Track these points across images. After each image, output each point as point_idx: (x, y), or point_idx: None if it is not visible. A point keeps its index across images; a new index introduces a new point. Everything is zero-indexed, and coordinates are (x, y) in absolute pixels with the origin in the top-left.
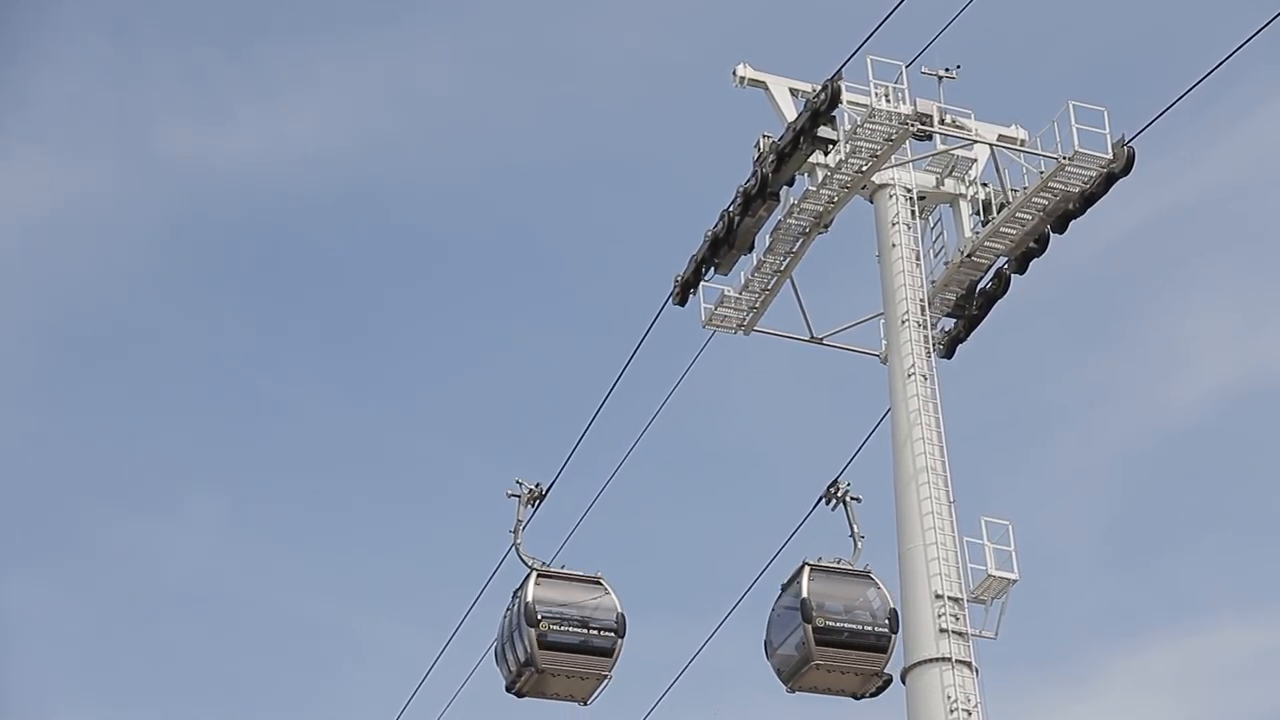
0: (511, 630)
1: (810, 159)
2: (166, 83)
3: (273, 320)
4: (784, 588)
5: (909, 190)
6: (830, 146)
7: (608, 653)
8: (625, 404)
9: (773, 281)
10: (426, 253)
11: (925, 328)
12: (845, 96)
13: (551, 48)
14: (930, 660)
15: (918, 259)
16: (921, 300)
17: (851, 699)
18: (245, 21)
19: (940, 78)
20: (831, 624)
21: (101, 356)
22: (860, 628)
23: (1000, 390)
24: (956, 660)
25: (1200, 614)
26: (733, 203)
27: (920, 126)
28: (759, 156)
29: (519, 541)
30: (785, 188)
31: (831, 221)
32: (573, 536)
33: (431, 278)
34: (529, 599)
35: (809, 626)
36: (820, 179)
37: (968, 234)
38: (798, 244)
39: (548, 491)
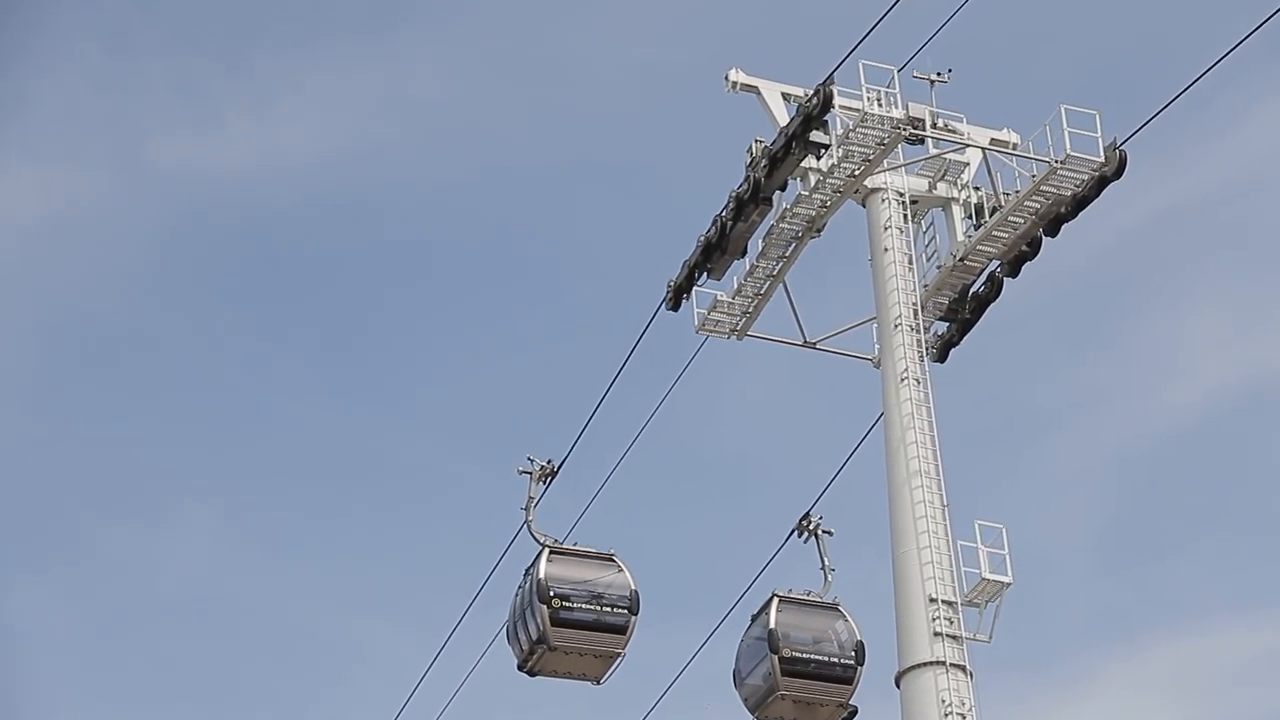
0: (523, 608)
1: (802, 163)
2: (161, 91)
3: (268, 327)
4: (753, 618)
5: (901, 194)
6: (822, 151)
7: (621, 630)
8: (619, 410)
9: (765, 286)
10: (421, 259)
11: (918, 332)
12: (837, 101)
13: (544, 54)
14: (924, 664)
15: (910, 263)
16: (914, 304)
17: None
18: (239, 30)
19: (932, 82)
20: (798, 655)
21: (97, 364)
22: (826, 659)
23: (993, 394)
24: (951, 664)
25: (1196, 616)
26: (725, 207)
27: (912, 131)
28: (751, 161)
29: (531, 519)
30: (778, 192)
31: (824, 226)
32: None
33: (426, 283)
34: (541, 575)
35: (775, 657)
36: (812, 183)
37: (960, 238)
38: (790, 248)
39: (559, 468)
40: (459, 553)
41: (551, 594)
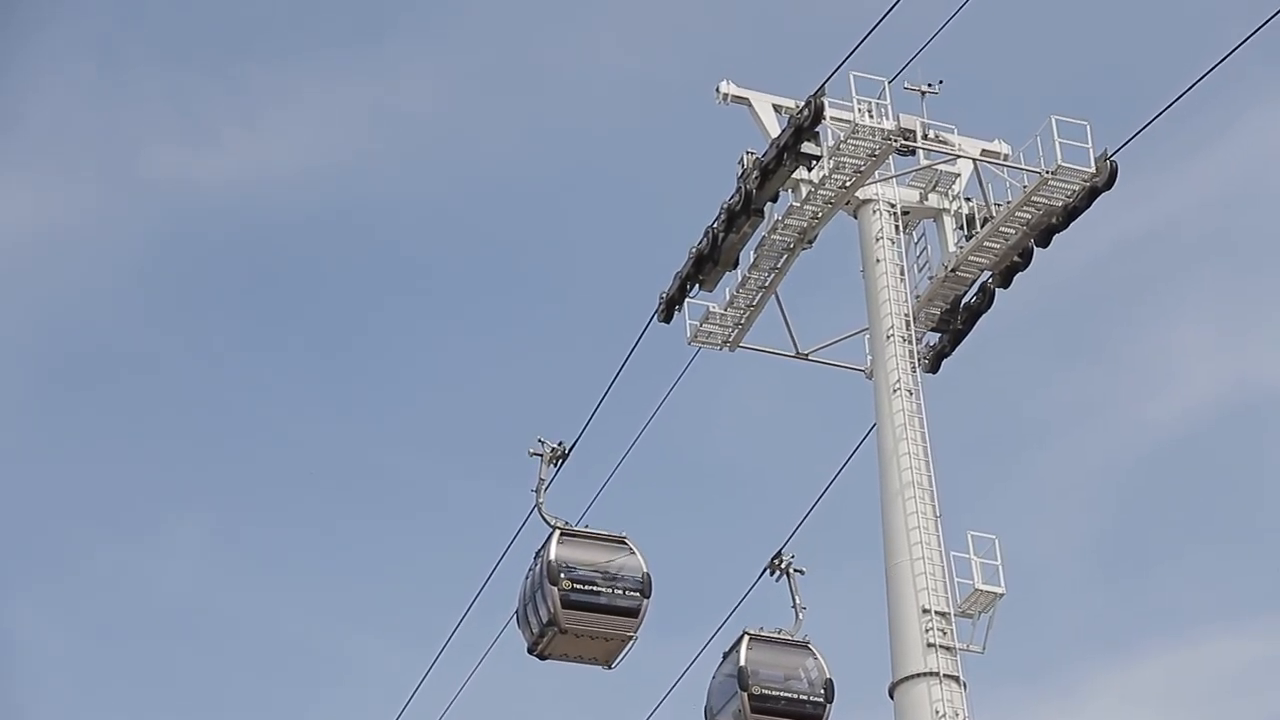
0: (534, 590)
1: (794, 175)
2: (151, 104)
3: (258, 340)
4: (725, 656)
5: (893, 205)
6: (814, 162)
7: (633, 613)
8: (611, 422)
9: (757, 298)
10: (411, 272)
11: (910, 342)
12: (828, 112)
13: (534, 67)
14: (918, 675)
15: (902, 274)
16: (906, 315)
17: None
18: (229, 43)
19: (923, 93)
20: (768, 692)
21: (87, 378)
22: (796, 697)
23: (986, 404)
24: (944, 675)
25: (1188, 627)
26: (717, 219)
27: (903, 142)
28: (743, 173)
29: (541, 501)
30: (769, 204)
31: (816, 237)
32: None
33: (416, 296)
34: (551, 557)
35: (745, 694)
36: (804, 195)
37: (951, 248)
38: (782, 260)
39: (570, 450)
40: (452, 566)
41: (562, 575)
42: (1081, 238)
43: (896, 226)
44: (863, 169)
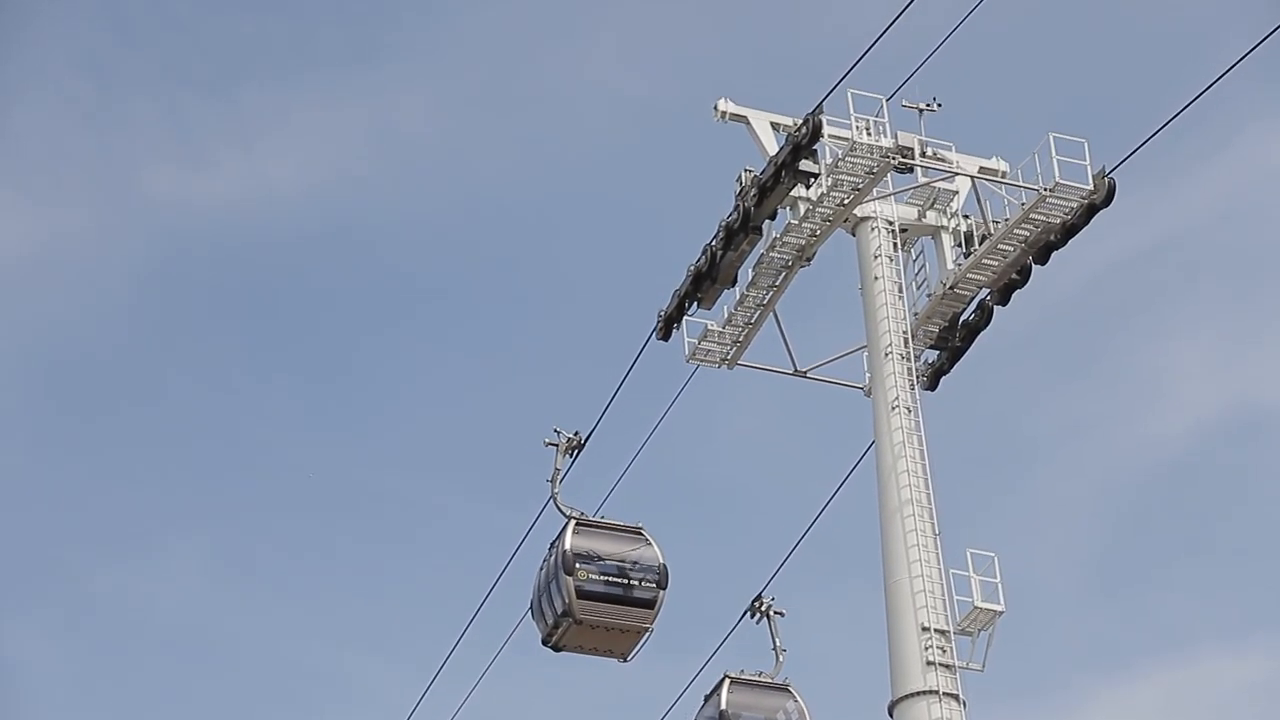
0: (548, 581)
1: (792, 192)
2: (147, 125)
3: (255, 361)
4: (706, 699)
5: (891, 223)
6: (812, 180)
7: (649, 605)
8: (609, 440)
9: (756, 315)
10: (409, 291)
11: (908, 360)
12: (826, 130)
13: (530, 85)
14: (918, 693)
15: (900, 291)
16: (904, 333)
17: None
18: (225, 64)
19: (921, 111)
20: None
21: (84, 399)
22: None
23: (984, 421)
24: (944, 693)
25: (1185, 646)
26: (715, 237)
27: (901, 159)
28: (741, 191)
29: (556, 491)
30: (767, 221)
31: (814, 255)
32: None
33: (414, 316)
34: (567, 547)
35: None
36: (802, 212)
37: (950, 266)
38: (780, 277)
39: (586, 440)
40: (448, 585)
41: (577, 566)
42: (1080, 255)
43: (895, 244)
44: (861, 186)
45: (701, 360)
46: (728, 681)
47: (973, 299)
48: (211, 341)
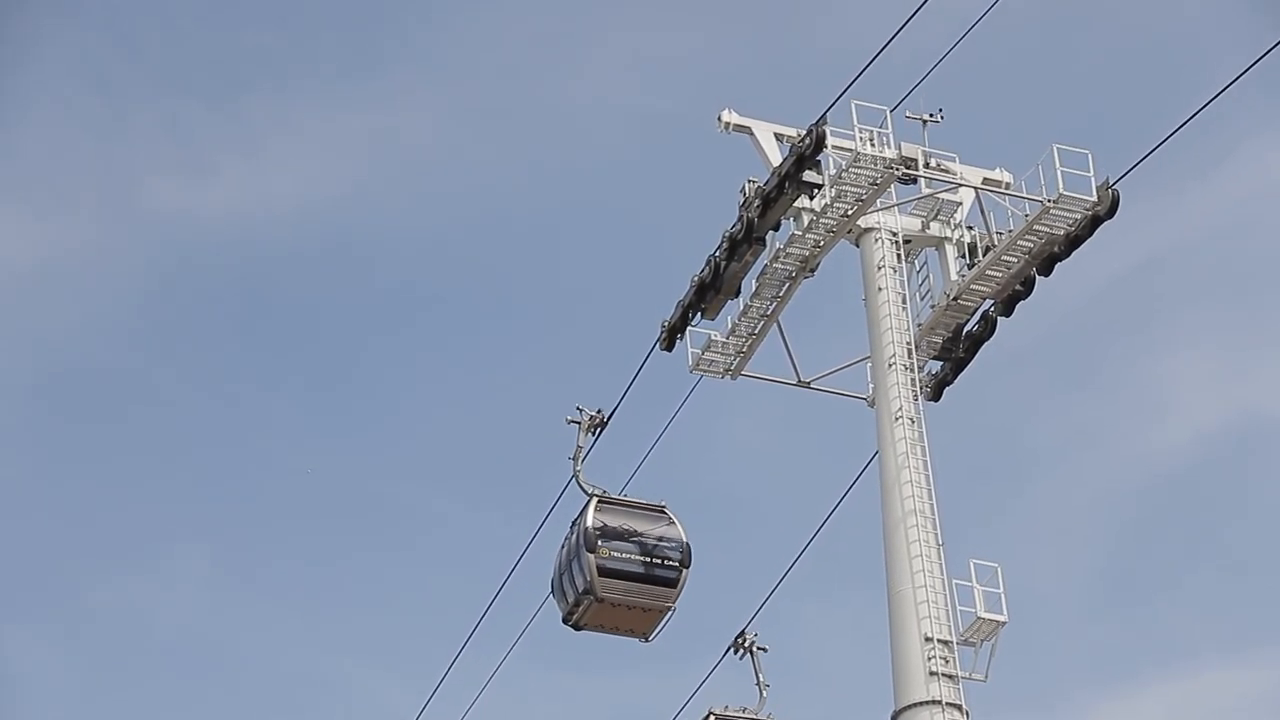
0: (570, 559)
1: (795, 203)
2: (150, 136)
3: (258, 371)
4: None
5: (894, 234)
6: (815, 191)
7: (671, 584)
8: (612, 450)
9: (759, 326)
10: (411, 301)
11: (912, 371)
12: (830, 141)
13: (533, 96)
14: (921, 704)
15: (904, 302)
16: (908, 343)
17: None
18: (228, 74)
19: (925, 122)
20: None
21: (86, 410)
22: None
23: (988, 432)
24: (947, 703)
25: (1188, 657)
26: (719, 248)
27: (905, 170)
28: (744, 202)
29: (579, 469)
30: (771, 232)
31: (817, 266)
32: None
33: (416, 326)
34: (589, 524)
35: None
36: (806, 223)
37: (953, 277)
38: (784, 288)
39: (609, 419)
40: (450, 594)
41: (600, 543)
42: (1083, 267)
43: (898, 255)
44: (864, 197)
45: (705, 371)
46: (713, 718)
47: (976, 310)
48: (214, 351)
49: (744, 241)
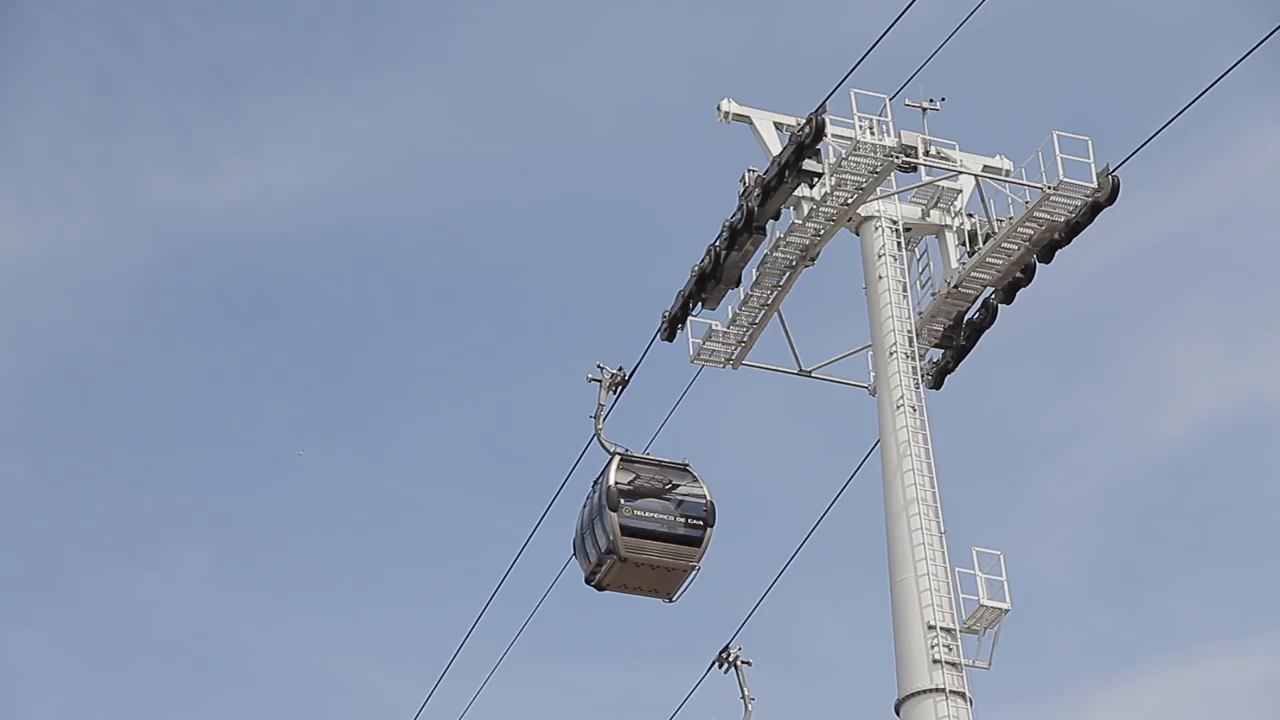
0: (592, 518)
1: (795, 192)
2: (149, 132)
3: (259, 366)
4: None
5: (894, 222)
6: (815, 180)
7: (695, 542)
8: (615, 440)
9: (760, 315)
10: (412, 296)
11: (913, 359)
12: (829, 129)
13: (532, 89)
14: (924, 691)
15: (905, 291)
16: (909, 332)
17: None
18: (227, 70)
19: (924, 110)
20: None
21: (87, 406)
22: None
23: (989, 420)
24: (951, 691)
25: (1189, 645)
26: (719, 237)
27: (905, 158)
28: (744, 191)
29: (600, 428)
30: (771, 221)
31: (818, 254)
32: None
33: (417, 320)
34: (611, 482)
35: None
36: (806, 212)
37: (954, 265)
38: (784, 277)
39: (630, 376)
40: (454, 589)
41: (622, 502)
42: (1083, 254)
43: (899, 243)
44: (864, 186)
45: (706, 360)
46: None
47: (977, 298)
48: (215, 347)
49: (744, 231)
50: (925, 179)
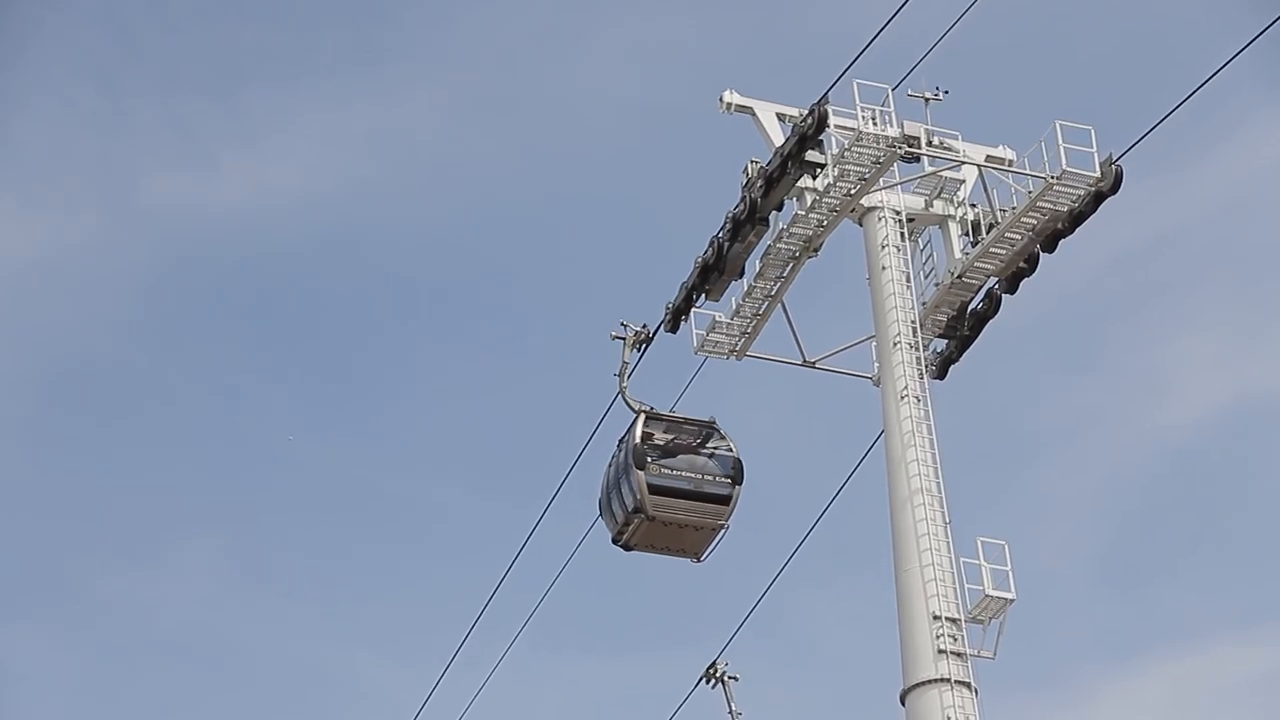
0: (618, 477)
1: (798, 183)
2: (151, 131)
3: (261, 365)
4: None
5: (898, 213)
6: (818, 170)
7: (724, 500)
8: (620, 432)
9: (764, 306)
10: (414, 293)
11: (917, 349)
12: (832, 120)
13: (534, 84)
14: (930, 681)
15: (908, 281)
16: (913, 322)
17: None
18: (229, 69)
19: (927, 100)
20: None
21: (90, 404)
22: None
23: (994, 410)
24: (956, 681)
25: (1193, 637)
26: (722, 229)
27: (907, 149)
28: (747, 182)
29: (625, 386)
30: (774, 213)
31: (821, 245)
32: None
33: (419, 318)
34: (637, 440)
35: None
36: (809, 203)
37: (957, 255)
38: (788, 268)
39: (654, 335)
40: (457, 586)
41: (649, 460)
42: (1087, 245)
43: (902, 234)
44: (867, 176)
45: (710, 352)
46: None
47: (980, 287)
48: (217, 345)
49: (747, 222)
50: (928, 169)
